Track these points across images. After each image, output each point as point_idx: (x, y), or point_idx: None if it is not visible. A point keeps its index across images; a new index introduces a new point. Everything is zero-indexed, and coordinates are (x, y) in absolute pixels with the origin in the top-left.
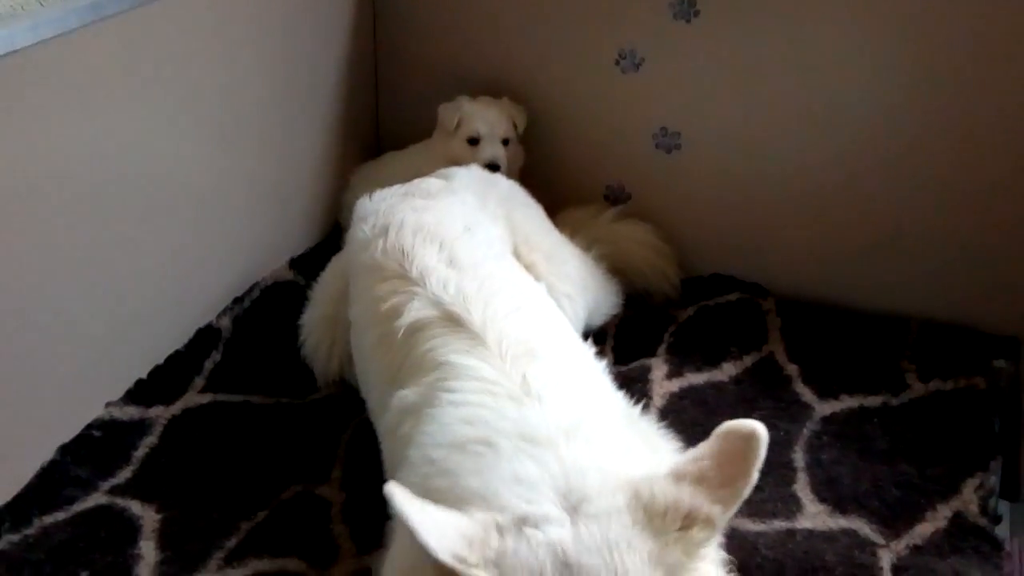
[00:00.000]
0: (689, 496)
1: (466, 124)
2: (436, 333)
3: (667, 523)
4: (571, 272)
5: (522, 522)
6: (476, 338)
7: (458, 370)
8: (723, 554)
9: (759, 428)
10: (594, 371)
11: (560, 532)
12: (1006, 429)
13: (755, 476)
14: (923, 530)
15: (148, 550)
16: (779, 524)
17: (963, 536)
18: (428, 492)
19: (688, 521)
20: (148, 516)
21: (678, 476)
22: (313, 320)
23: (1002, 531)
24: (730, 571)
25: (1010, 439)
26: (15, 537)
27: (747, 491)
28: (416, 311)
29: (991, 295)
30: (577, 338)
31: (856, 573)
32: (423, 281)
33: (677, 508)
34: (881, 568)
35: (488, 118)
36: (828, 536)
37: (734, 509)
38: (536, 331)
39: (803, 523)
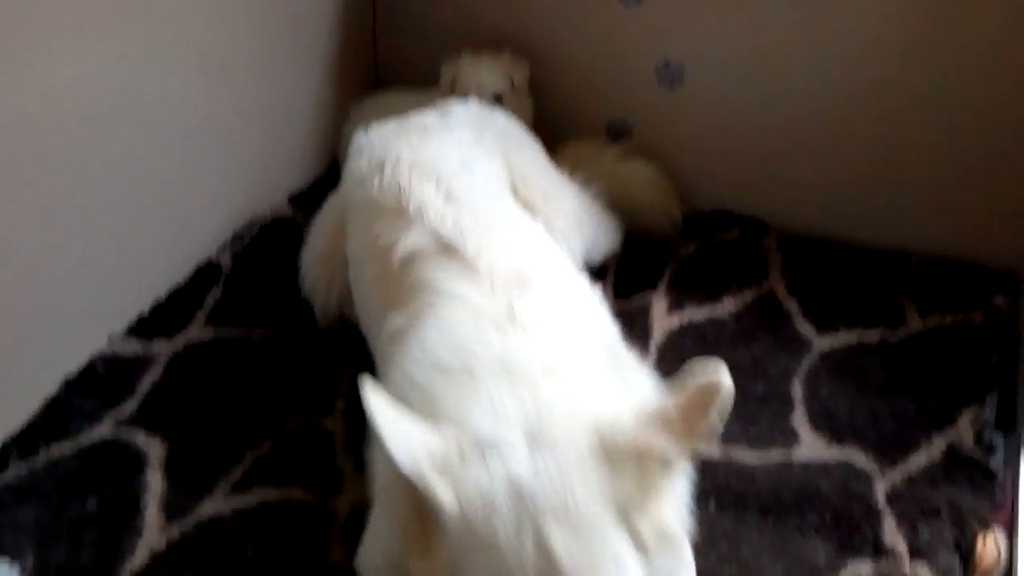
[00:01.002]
0: (648, 436)
1: (459, 82)
2: (430, 262)
3: (624, 460)
4: (569, 209)
5: (486, 447)
6: (469, 266)
7: (446, 295)
8: (686, 497)
9: (724, 380)
10: (587, 303)
11: (518, 462)
12: (1003, 363)
13: (715, 424)
14: (917, 461)
15: (154, 479)
16: (776, 455)
17: (957, 467)
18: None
19: (644, 459)
20: (153, 447)
21: (642, 416)
22: (312, 258)
23: (996, 462)
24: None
25: (1007, 373)
26: (23, 468)
27: (705, 438)
28: (412, 241)
29: (992, 231)
30: (574, 270)
31: (851, 503)
32: (420, 215)
33: (635, 446)
34: (875, 497)
35: (480, 76)
36: (824, 467)
37: (690, 451)
38: (530, 262)
39: (800, 454)
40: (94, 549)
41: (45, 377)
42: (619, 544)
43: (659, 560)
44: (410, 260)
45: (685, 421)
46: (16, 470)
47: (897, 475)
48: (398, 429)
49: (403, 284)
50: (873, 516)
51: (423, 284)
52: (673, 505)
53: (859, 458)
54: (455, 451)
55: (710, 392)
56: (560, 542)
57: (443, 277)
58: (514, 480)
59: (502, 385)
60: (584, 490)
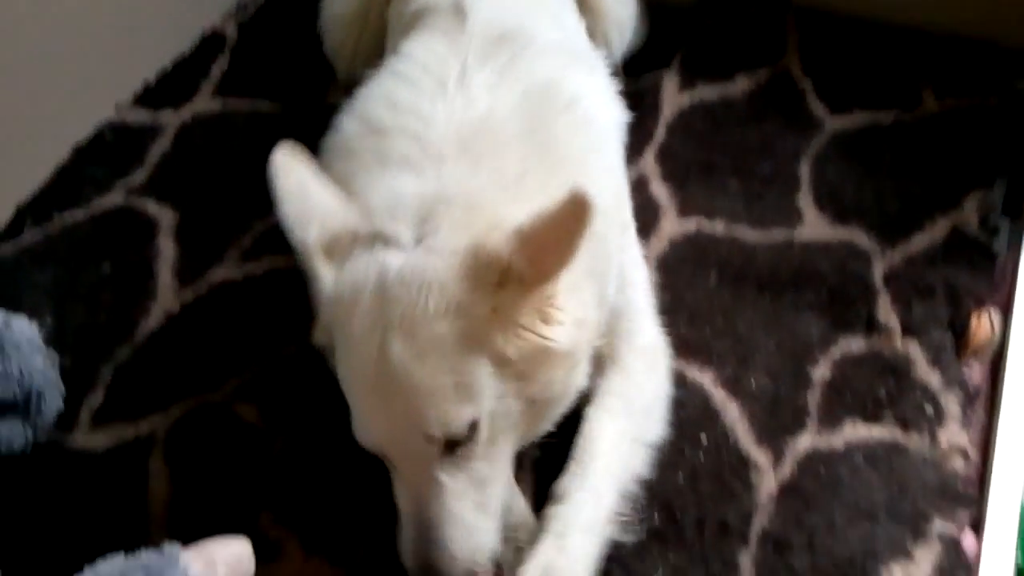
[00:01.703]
0: (513, 255)
1: None
2: (431, 17)
3: (487, 276)
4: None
5: (376, 238)
6: (460, 15)
7: (415, 47)
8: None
9: (584, 196)
10: (586, 83)
11: (395, 258)
12: (1015, 148)
13: (573, 249)
14: (919, 241)
15: (166, 246)
16: (779, 233)
17: (958, 248)
18: (328, 166)
19: (503, 278)
20: (164, 215)
21: (516, 232)
22: (341, 16)
23: (998, 245)
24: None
25: (1018, 158)
26: (38, 233)
27: (563, 264)
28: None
29: (1017, 11)
30: (583, 41)
31: (848, 281)
32: None
33: (498, 263)
34: (873, 277)
35: None
36: (825, 246)
37: (550, 278)
38: (533, 26)
39: (802, 233)
40: (110, 311)
41: (55, 146)
42: (458, 365)
43: (538, 372)
44: (418, 15)
45: (551, 241)
46: (31, 235)
47: (897, 255)
48: (302, 192)
49: (396, 40)
50: (869, 294)
51: (410, 34)
52: (540, 334)
53: (861, 238)
54: (349, 234)
55: (574, 205)
56: (399, 355)
57: (426, 34)
58: (382, 281)
59: (409, 161)
60: (438, 299)
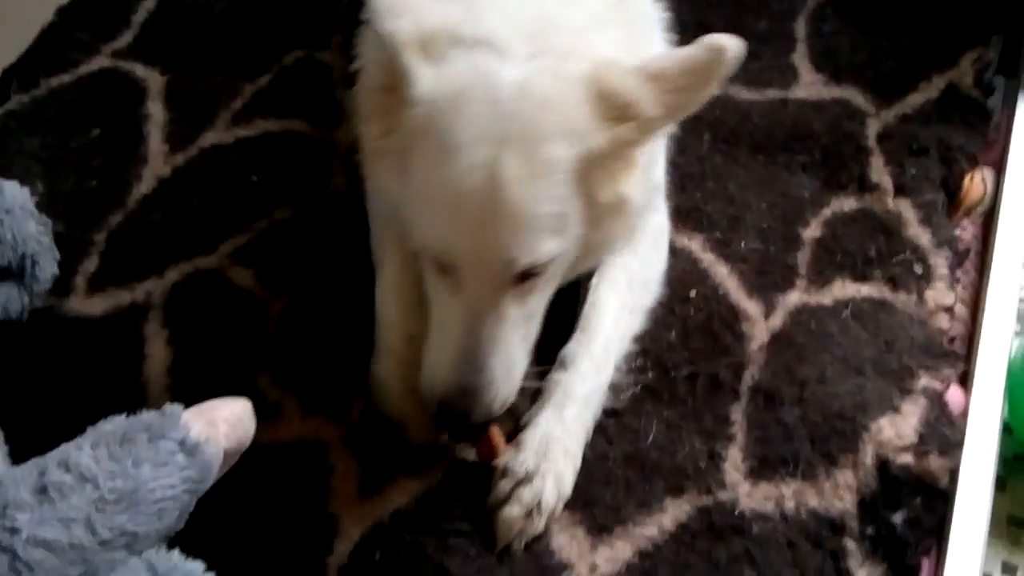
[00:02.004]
0: (637, 91)
1: None
2: None
3: (607, 109)
4: None
5: (483, 43)
6: None
7: None
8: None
9: (731, 44)
10: None
11: (508, 72)
12: (1012, 6)
13: (710, 91)
14: (914, 100)
15: (156, 110)
16: (773, 93)
17: (953, 106)
18: None
19: (624, 114)
20: (153, 78)
21: (639, 70)
22: None
23: (993, 103)
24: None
25: (1015, 16)
26: (25, 98)
27: (696, 104)
28: None
29: None
30: None
31: (842, 141)
32: None
33: (621, 97)
34: (867, 136)
35: None
36: (819, 106)
37: (675, 119)
38: None
39: (797, 93)
40: (101, 176)
41: (40, 5)
42: (564, 194)
43: (607, 221)
44: None
45: (681, 83)
46: (18, 100)
47: (891, 114)
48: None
49: None
50: (862, 154)
51: None
52: (641, 176)
53: (856, 97)
54: (448, 34)
55: (716, 52)
56: (512, 171)
57: None
58: (496, 91)
59: None
60: (557, 129)
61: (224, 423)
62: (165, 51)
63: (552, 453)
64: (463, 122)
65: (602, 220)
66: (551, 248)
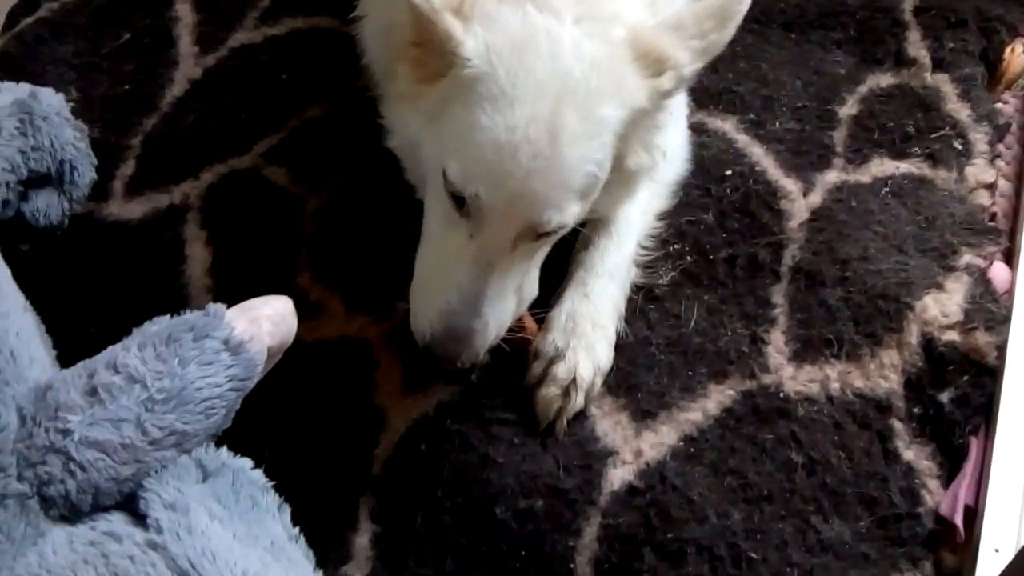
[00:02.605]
0: (669, 45)
1: None
2: None
3: (646, 66)
4: None
5: (532, 2)
6: None
7: None
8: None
9: None
10: None
11: (564, 29)
12: None
13: (731, 31)
14: None
15: (185, 11)
16: None
17: None
18: None
19: (661, 67)
20: None
21: (666, 25)
22: None
23: None
24: None
25: None
26: (54, 4)
27: (721, 44)
28: None
29: None
30: None
31: (877, 15)
32: None
33: (655, 53)
34: (903, 9)
35: None
36: None
37: (704, 62)
38: None
39: None
40: (134, 79)
41: None
42: (604, 157)
43: (618, 188)
44: None
45: (701, 29)
46: (48, 6)
47: None
48: None
49: None
50: (898, 28)
51: None
52: (673, 122)
53: None
54: None
55: (728, 8)
56: (571, 127)
57: None
58: (556, 45)
59: None
60: (609, 90)
61: (267, 321)
62: None
63: (580, 328)
64: (524, 75)
65: (613, 189)
66: (576, 211)
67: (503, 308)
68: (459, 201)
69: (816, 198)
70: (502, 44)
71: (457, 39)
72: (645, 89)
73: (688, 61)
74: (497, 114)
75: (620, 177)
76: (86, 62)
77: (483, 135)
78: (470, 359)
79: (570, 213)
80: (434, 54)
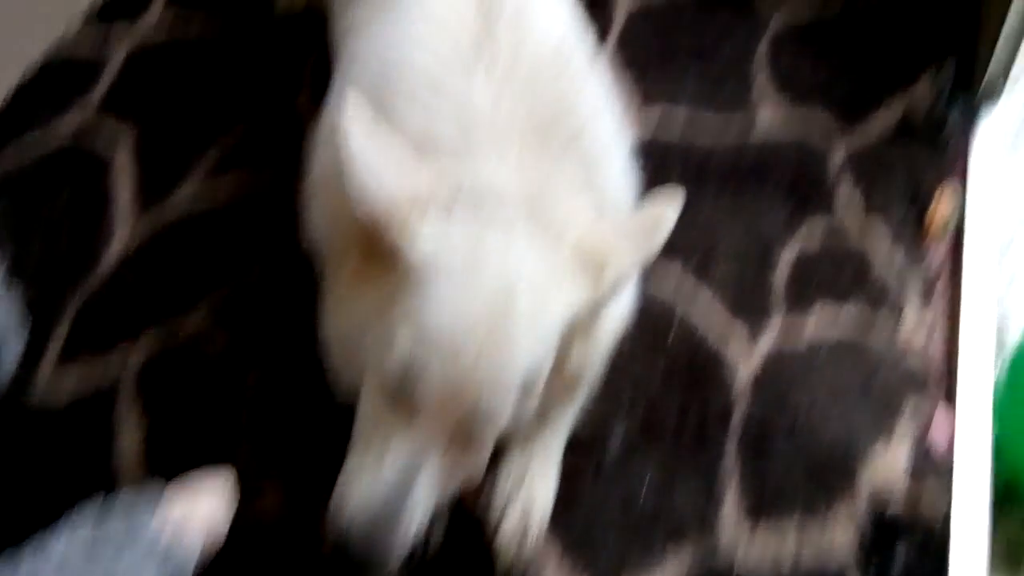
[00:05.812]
0: (610, 248)
1: None
2: None
3: (593, 268)
4: None
5: (480, 200)
6: None
7: None
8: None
9: (670, 213)
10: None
11: (514, 243)
12: (966, 27)
13: (660, 241)
14: (876, 123)
15: (123, 174)
16: (736, 127)
17: (914, 128)
18: (378, 102)
19: (603, 271)
20: (123, 135)
21: (611, 227)
22: None
23: (953, 122)
24: None
25: (968, 36)
26: None
27: (653, 253)
28: None
29: None
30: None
31: (808, 166)
32: None
33: (600, 256)
34: (833, 160)
35: None
36: (781, 137)
37: (644, 261)
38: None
39: (761, 121)
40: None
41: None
42: (546, 360)
43: (555, 395)
44: None
45: (639, 240)
46: None
47: (856, 138)
48: (376, 160)
49: None
50: (831, 176)
51: None
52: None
53: (820, 120)
54: (444, 195)
55: (659, 219)
56: (519, 326)
57: None
58: (504, 254)
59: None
60: (560, 295)
61: (201, 521)
62: (137, 107)
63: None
64: (473, 286)
65: (554, 391)
66: (511, 413)
67: (424, 515)
68: (399, 390)
69: (764, 346)
70: (452, 252)
71: (413, 237)
72: (591, 290)
73: (628, 266)
74: (444, 315)
75: (559, 383)
76: (23, 222)
77: (433, 321)
78: (388, 556)
79: (507, 413)
80: (383, 248)
